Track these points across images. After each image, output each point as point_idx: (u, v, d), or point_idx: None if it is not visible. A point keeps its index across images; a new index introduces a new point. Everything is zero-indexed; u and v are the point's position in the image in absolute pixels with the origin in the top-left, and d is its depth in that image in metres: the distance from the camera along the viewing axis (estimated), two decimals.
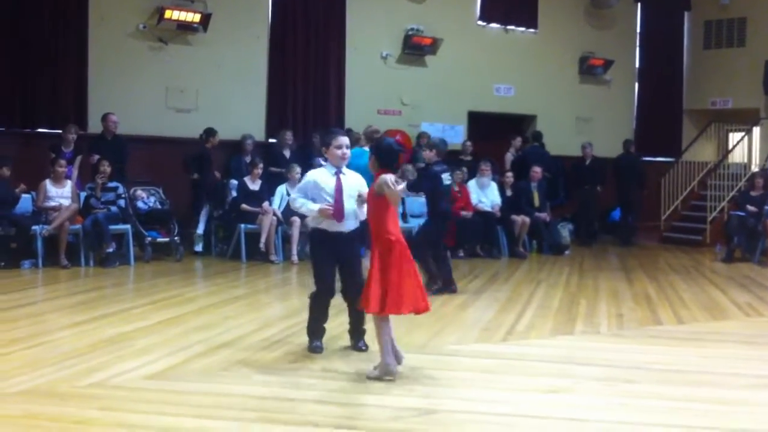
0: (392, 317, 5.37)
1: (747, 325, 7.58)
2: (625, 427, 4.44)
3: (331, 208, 5.71)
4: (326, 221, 5.78)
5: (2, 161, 10.47)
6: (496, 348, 6.32)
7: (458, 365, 5.70)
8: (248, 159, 12.16)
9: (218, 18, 13.21)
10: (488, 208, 12.62)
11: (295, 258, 11.04)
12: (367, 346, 5.96)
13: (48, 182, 10.41)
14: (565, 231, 13.65)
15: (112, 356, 5.66)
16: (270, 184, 11.71)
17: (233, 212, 11.43)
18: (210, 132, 12.48)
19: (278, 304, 8.53)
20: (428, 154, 8.86)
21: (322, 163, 6.22)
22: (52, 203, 10.33)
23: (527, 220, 12.92)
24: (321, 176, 5.86)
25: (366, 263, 5.58)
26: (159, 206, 11.56)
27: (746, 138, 16.16)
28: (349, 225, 5.85)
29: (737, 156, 16.25)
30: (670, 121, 17.99)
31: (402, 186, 5.30)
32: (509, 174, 13.68)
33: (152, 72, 13.02)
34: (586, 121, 17.13)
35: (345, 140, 5.88)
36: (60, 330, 6.61)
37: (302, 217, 10.89)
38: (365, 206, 5.63)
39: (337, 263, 5.89)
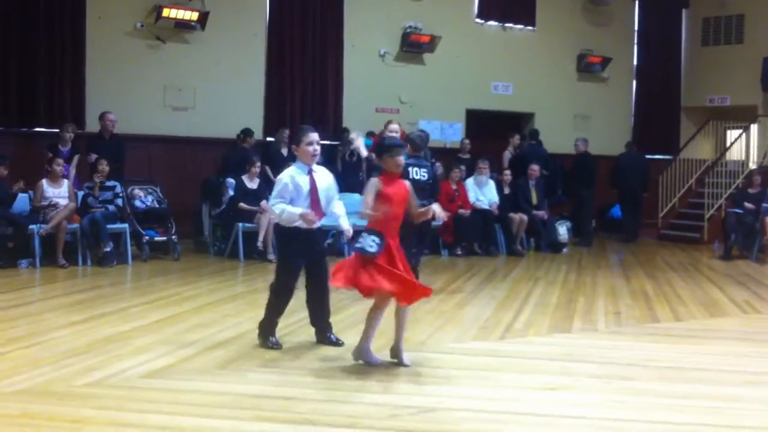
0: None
1: (744, 322, 7.60)
2: (623, 424, 4.44)
3: (311, 213, 5.69)
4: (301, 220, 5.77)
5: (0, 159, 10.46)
6: (495, 346, 6.32)
7: (456, 363, 5.69)
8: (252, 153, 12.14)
9: (216, 16, 13.21)
10: (486, 206, 12.63)
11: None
12: (341, 340, 6.03)
13: (45, 182, 10.38)
14: (562, 229, 13.64)
15: (110, 355, 5.65)
16: (268, 182, 11.69)
17: (231, 211, 11.41)
18: (247, 132, 12.68)
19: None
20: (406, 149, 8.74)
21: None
22: (49, 202, 10.29)
23: (525, 218, 12.92)
24: (296, 177, 5.82)
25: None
26: (157, 205, 11.54)
27: (744, 135, 16.17)
28: (321, 222, 5.92)
29: (735, 153, 16.28)
30: (668, 119, 18.02)
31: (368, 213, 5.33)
32: (507, 172, 13.67)
33: (150, 70, 13.01)
34: (584, 118, 17.14)
35: (315, 137, 5.86)
36: (57, 329, 6.59)
37: None
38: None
39: (304, 261, 5.89)
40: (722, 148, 16.76)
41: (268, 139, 13.71)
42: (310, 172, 5.85)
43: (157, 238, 11.15)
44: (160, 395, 4.78)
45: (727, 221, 13.08)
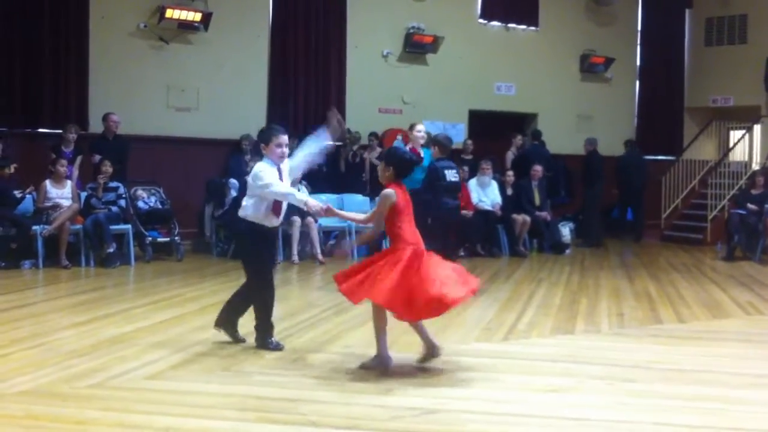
0: (396, 320, 5.46)
1: (748, 323, 7.59)
2: (627, 426, 4.44)
3: (319, 204, 5.72)
4: (268, 217, 5.83)
5: (3, 161, 10.49)
6: (497, 347, 6.33)
7: (459, 364, 5.69)
8: (248, 158, 12.15)
9: (219, 17, 13.22)
10: (489, 207, 12.62)
11: (295, 258, 11.05)
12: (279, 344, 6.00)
13: (48, 183, 10.40)
14: (565, 230, 13.64)
15: (114, 356, 5.66)
16: None
17: (234, 212, 11.40)
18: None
19: (278, 303, 8.43)
20: (433, 151, 8.80)
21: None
22: (52, 203, 10.31)
23: (528, 219, 12.92)
24: (269, 170, 5.82)
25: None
26: (160, 206, 11.56)
27: (747, 136, 16.14)
28: (279, 221, 6.00)
29: (738, 154, 16.25)
30: (671, 119, 18.00)
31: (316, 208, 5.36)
32: (510, 173, 13.67)
33: (153, 71, 13.02)
34: (587, 119, 17.12)
35: (285, 139, 5.87)
36: (61, 330, 6.60)
37: (302, 216, 10.98)
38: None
39: (269, 256, 5.98)
40: (725, 149, 16.74)
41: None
42: (279, 170, 5.89)
43: (160, 239, 11.18)
44: (164, 396, 4.78)
45: (730, 222, 13.05)
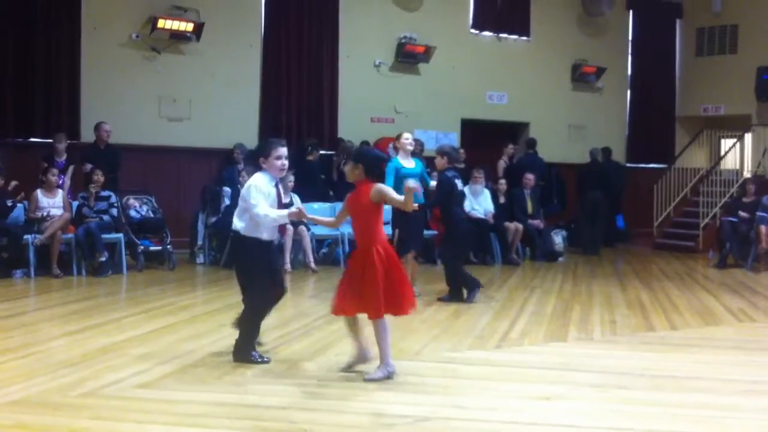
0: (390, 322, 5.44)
1: (740, 330, 7.60)
2: None
3: (297, 209, 5.74)
4: (267, 231, 5.77)
5: None
6: (490, 355, 6.32)
7: (452, 372, 5.69)
8: (240, 167, 12.14)
9: (211, 27, 13.23)
10: (481, 216, 12.61)
11: (288, 266, 11.03)
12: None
13: (39, 192, 10.38)
14: (558, 238, 13.65)
15: (105, 365, 5.64)
16: None
17: (227, 220, 11.38)
18: (314, 145, 12.75)
19: (271, 313, 8.50)
20: (440, 162, 8.80)
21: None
22: (43, 213, 10.28)
23: (520, 227, 12.93)
24: (265, 186, 5.78)
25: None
26: (152, 215, 11.55)
27: (738, 144, 16.23)
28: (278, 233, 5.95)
29: (729, 162, 16.34)
30: (663, 128, 18.07)
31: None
32: (502, 181, 13.69)
33: (145, 81, 13.02)
34: (578, 128, 17.19)
35: (284, 151, 5.82)
36: (52, 339, 6.58)
37: (295, 225, 10.97)
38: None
39: (268, 269, 5.88)
40: (717, 157, 16.82)
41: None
42: (276, 185, 5.86)
43: (152, 248, 11.17)
44: (156, 406, 4.76)
45: (722, 230, 13.10)
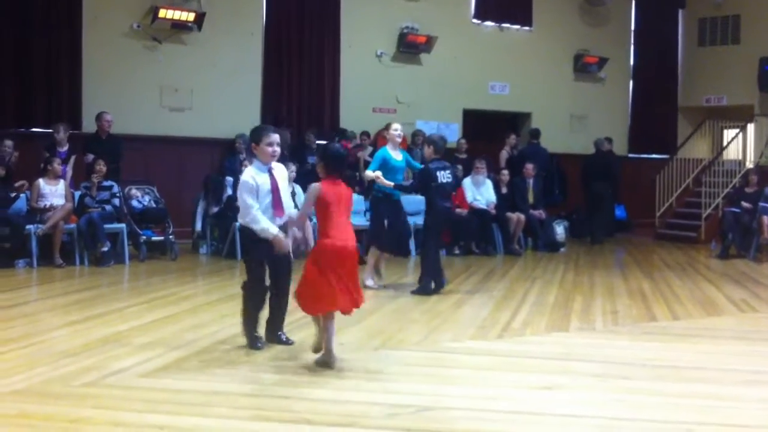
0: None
1: (742, 321, 7.60)
2: (621, 423, 4.44)
3: (284, 241, 5.76)
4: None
5: None
6: (492, 345, 6.32)
7: (454, 362, 5.70)
8: (242, 157, 12.14)
9: (212, 17, 13.21)
10: (483, 206, 12.62)
11: (290, 256, 11.01)
12: (291, 339, 6.06)
13: (41, 181, 10.40)
14: (560, 229, 13.65)
15: (107, 355, 5.64)
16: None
17: (229, 210, 11.40)
18: (343, 134, 12.89)
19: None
20: (427, 151, 8.82)
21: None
22: (46, 202, 10.29)
23: (522, 217, 12.93)
24: (257, 177, 5.79)
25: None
26: (154, 205, 11.53)
27: (741, 135, 16.21)
28: (283, 220, 5.91)
29: (732, 153, 16.32)
30: (665, 119, 18.04)
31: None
32: (504, 172, 13.68)
33: (146, 71, 13.00)
34: (580, 118, 17.17)
35: (276, 138, 5.84)
36: (55, 329, 6.59)
37: None
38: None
39: (268, 258, 5.88)
40: (719, 148, 16.80)
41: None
42: (269, 171, 5.85)
43: (154, 238, 11.16)
44: (158, 395, 4.77)
45: (724, 220, 13.09)
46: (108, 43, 12.71)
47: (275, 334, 6.07)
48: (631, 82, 17.97)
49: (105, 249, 10.35)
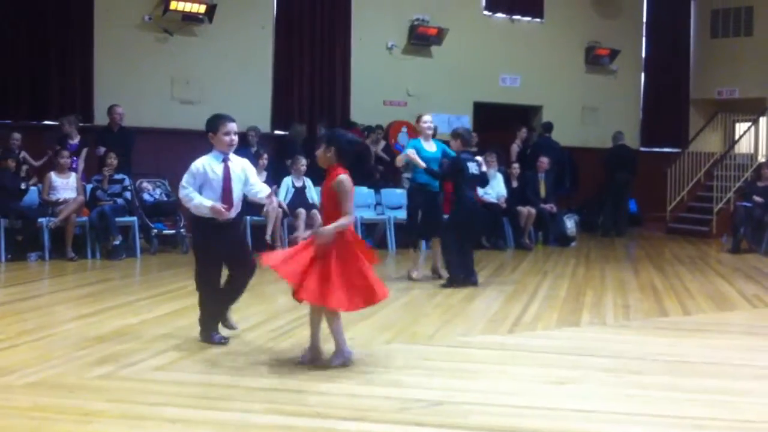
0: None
1: (753, 315, 7.58)
2: (633, 418, 4.43)
3: (223, 207, 5.66)
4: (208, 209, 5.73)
5: (8, 153, 10.51)
6: (503, 339, 6.32)
7: (465, 356, 5.70)
8: (254, 150, 12.15)
9: (223, 9, 13.22)
10: (494, 200, 12.59)
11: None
12: (236, 325, 6.04)
13: (53, 174, 10.45)
14: (570, 222, 13.63)
15: (120, 348, 5.67)
16: (277, 176, 11.69)
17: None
18: (369, 129, 13.12)
19: (284, 295, 8.48)
20: (454, 144, 8.81)
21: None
22: (58, 195, 10.34)
23: (533, 211, 12.90)
24: (208, 164, 5.80)
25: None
26: (165, 198, 11.57)
27: (753, 128, 16.12)
28: (235, 211, 5.88)
29: (744, 146, 16.23)
30: (677, 111, 17.95)
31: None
32: (516, 165, 13.66)
33: (158, 63, 13.03)
34: (592, 111, 17.10)
35: (233, 126, 5.83)
36: (67, 322, 6.62)
37: (308, 209, 11.00)
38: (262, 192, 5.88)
39: (223, 250, 5.83)
40: (731, 141, 16.72)
41: (276, 132, 13.77)
42: (224, 161, 5.83)
43: (165, 232, 11.19)
44: (171, 388, 4.79)
45: (736, 215, 13.04)
46: (119, 35, 12.74)
47: (225, 318, 6.01)
48: (642, 75, 17.88)
49: (116, 242, 10.41)
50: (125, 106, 11.86)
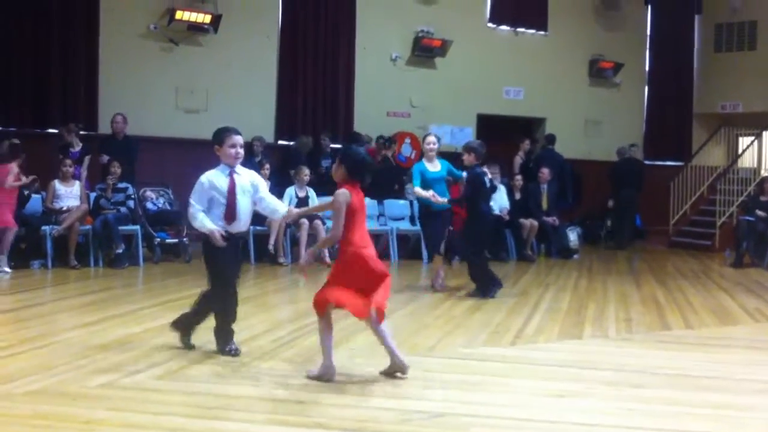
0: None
1: (756, 330, 7.57)
2: None
3: (219, 236, 5.60)
4: (220, 223, 5.71)
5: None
6: (505, 351, 6.32)
7: (467, 368, 5.69)
8: (258, 159, 12.18)
9: (229, 19, 13.28)
10: (496, 212, 12.57)
11: (284, 260, 11.09)
12: (238, 350, 5.81)
13: (57, 182, 10.47)
14: (573, 235, 13.62)
15: (122, 357, 5.68)
16: (280, 186, 11.71)
17: None
18: (357, 138, 13.00)
19: (287, 306, 8.56)
20: (467, 158, 8.84)
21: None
22: (61, 203, 10.36)
23: (536, 223, 12.90)
24: (214, 178, 5.78)
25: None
26: (168, 207, 11.59)
27: (756, 142, 16.10)
28: (245, 225, 5.87)
29: (747, 160, 16.21)
30: (680, 125, 17.95)
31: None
32: (518, 177, 13.66)
33: (163, 73, 13.09)
34: (595, 124, 17.12)
35: (239, 139, 5.81)
36: (69, 330, 6.62)
37: (310, 219, 11.01)
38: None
39: (234, 261, 5.83)
40: (734, 155, 16.71)
41: (280, 142, 13.81)
42: (230, 174, 5.81)
43: (168, 240, 11.19)
44: (173, 397, 4.79)
45: (738, 229, 13.02)
46: (124, 44, 12.80)
47: (226, 348, 5.85)
48: (646, 88, 17.89)
49: (120, 251, 10.42)
50: (129, 114, 11.89)
